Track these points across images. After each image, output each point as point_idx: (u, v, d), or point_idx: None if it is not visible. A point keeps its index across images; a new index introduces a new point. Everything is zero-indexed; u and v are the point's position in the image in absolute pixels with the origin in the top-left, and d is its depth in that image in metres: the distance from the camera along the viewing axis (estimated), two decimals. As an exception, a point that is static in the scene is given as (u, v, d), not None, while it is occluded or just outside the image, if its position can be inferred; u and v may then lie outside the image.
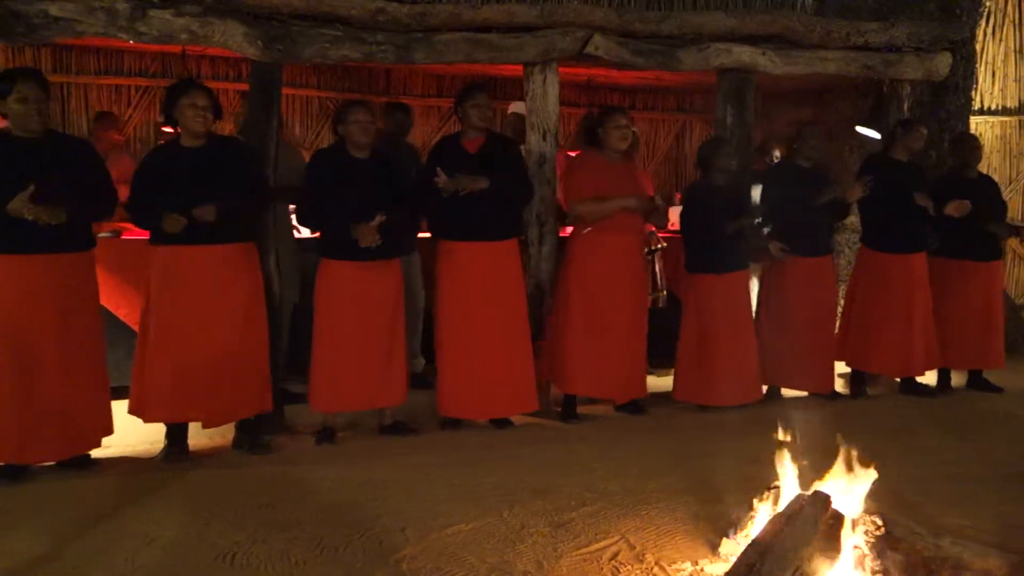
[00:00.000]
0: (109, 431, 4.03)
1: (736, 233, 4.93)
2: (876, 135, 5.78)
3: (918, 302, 5.36)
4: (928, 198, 5.20)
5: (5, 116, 3.76)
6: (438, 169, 4.39)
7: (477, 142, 4.59)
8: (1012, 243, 7.00)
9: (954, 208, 5.21)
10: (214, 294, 4.06)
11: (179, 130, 4.10)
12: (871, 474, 2.85)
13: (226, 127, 5.99)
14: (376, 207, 4.22)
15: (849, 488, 2.91)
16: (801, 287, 5.21)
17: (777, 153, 6.37)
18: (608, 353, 4.80)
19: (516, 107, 5.83)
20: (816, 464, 3.01)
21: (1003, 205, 5.69)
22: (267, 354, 4.27)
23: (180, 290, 4.02)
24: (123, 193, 4.14)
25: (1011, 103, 7.03)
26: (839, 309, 5.89)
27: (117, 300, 4.95)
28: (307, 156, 6.55)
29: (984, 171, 6.01)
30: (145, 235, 4.86)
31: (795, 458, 3.03)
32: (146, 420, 4.11)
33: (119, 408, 4.13)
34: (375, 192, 4.31)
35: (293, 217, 5.46)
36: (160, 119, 6.45)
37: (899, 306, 5.34)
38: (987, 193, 5.50)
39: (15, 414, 3.71)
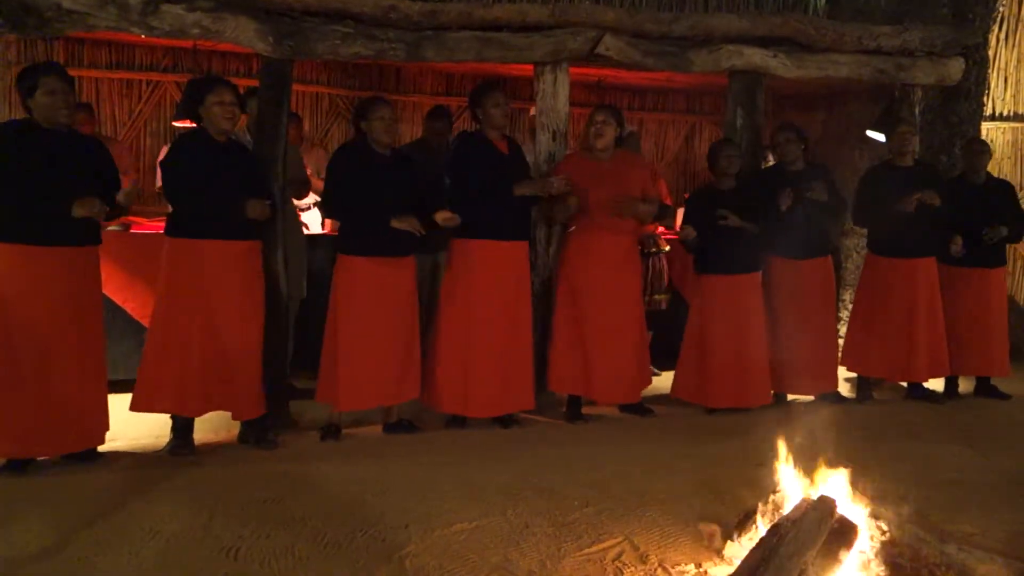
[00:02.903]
0: (106, 426, 4.03)
1: (734, 233, 4.90)
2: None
3: (923, 307, 5.32)
4: (934, 196, 5.12)
5: (28, 111, 3.78)
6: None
7: (503, 143, 4.64)
8: (1022, 250, 6.96)
9: (926, 196, 5.08)
10: (226, 289, 4.08)
11: (198, 125, 4.12)
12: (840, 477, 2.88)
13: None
14: (396, 205, 4.25)
15: (855, 493, 2.91)
16: (795, 290, 5.19)
17: (770, 156, 6.34)
18: (595, 353, 4.78)
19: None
20: (821, 468, 3.01)
21: (1016, 209, 5.60)
22: (260, 357, 4.25)
23: (193, 283, 4.04)
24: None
25: (1022, 109, 7.00)
26: (846, 313, 5.89)
27: (125, 294, 4.97)
28: (318, 153, 6.57)
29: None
30: (152, 228, 4.87)
31: (800, 462, 3.03)
32: (140, 409, 4.10)
33: (127, 401, 4.14)
34: (396, 190, 4.32)
35: (301, 214, 5.49)
36: (176, 116, 6.46)
37: (902, 311, 5.31)
38: (995, 198, 5.46)
39: (21, 407, 3.72)
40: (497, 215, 4.53)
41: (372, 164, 4.34)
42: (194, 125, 4.18)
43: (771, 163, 6.29)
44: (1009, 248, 6.15)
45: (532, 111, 5.92)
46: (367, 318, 4.33)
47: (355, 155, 4.39)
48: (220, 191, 4.01)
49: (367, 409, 4.53)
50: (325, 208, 4.54)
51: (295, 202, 5.27)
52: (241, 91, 4.28)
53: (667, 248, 5.73)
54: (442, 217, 4.35)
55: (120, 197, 3.99)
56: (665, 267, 5.81)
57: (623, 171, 4.83)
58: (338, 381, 4.32)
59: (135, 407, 4.10)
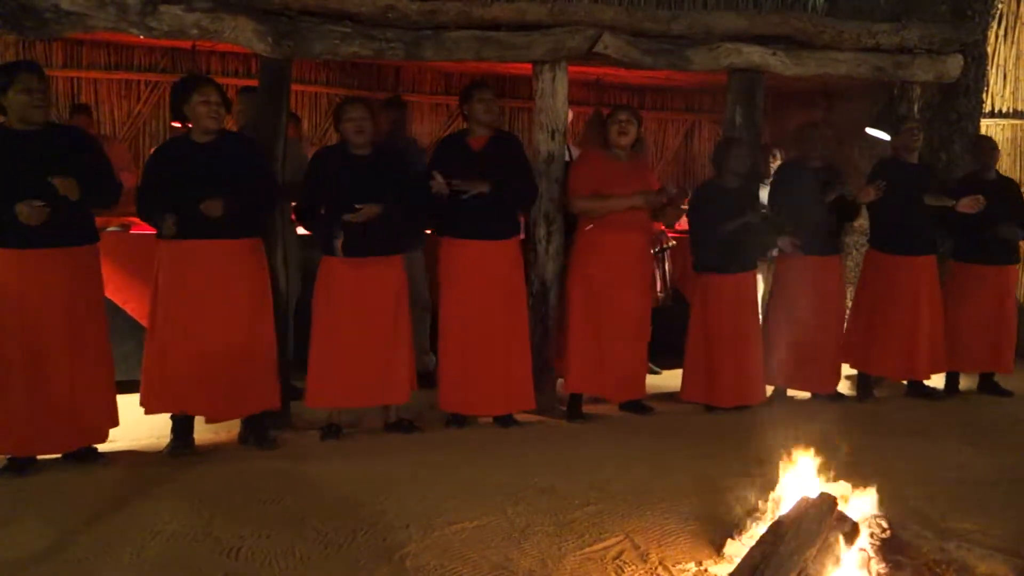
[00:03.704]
0: (115, 423, 4.03)
1: (736, 232, 4.91)
2: (886, 137, 5.75)
3: (924, 305, 5.33)
4: (944, 198, 5.14)
5: (2, 111, 3.74)
6: (434, 172, 4.36)
7: (482, 140, 4.57)
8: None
9: (967, 204, 5.15)
10: (220, 289, 4.07)
11: (188, 125, 4.11)
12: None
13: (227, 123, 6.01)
14: (375, 203, 4.21)
15: (855, 491, 2.91)
16: (808, 287, 5.20)
17: (778, 154, 6.35)
18: (608, 352, 4.79)
19: None
20: (820, 466, 3.01)
21: (1022, 207, 5.62)
22: (275, 351, 4.28)
23: (186, 284, 4.04)
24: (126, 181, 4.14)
25: (1022, 106, 6.98)
26: (847, 311, 5.88)
27: (125, 295, 4.96)
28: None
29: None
30: (150, 229, 4.88)
31: (801, 460, 3.03)
32: (150, 411, 4.12)
33: (127, 401, 4.14)
34: (374, 188, 4.27)
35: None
36: (170, 117, 6.46)
37: (904, 309, 5.32)
38: (1005, 195, 5.46)
39: (22, 406, 3.73)
40: (474, 215, 4.48)
41: (346, 165, 4.31)
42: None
43: (777, 162, 6.30)
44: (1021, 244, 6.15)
45: None
46: (342, 319, 4.32)
47: (327, 158, 4.40)
48: (184, 194, 3.91)
49: (362, 408, 4.53)
50: (295, 213, 4.52)
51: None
52: (237, 90, 4.27)
53: (673, 243, 5.75)
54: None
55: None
56: (668, 265, 5.81)
57: (639, 171, 4.87)
58: (315, 380, 4.35)
59: (143, 404, 4.11)
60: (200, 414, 4.19)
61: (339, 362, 4.33)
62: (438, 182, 4.33)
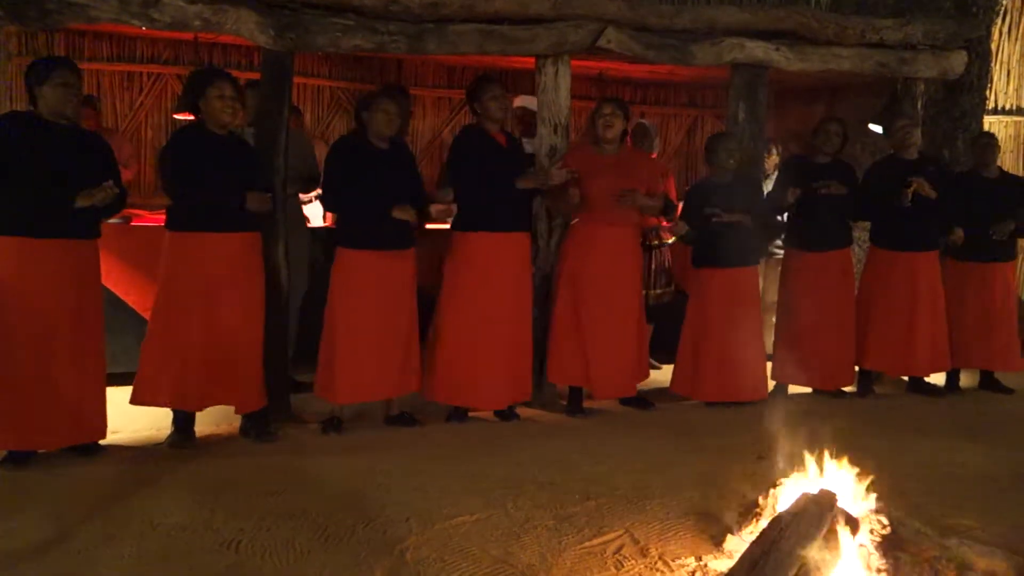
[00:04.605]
0: (104, 424, 4.01)
1: (731, 226, 4.90)
2: (888, 133, 5.75)
3: (923, 301, 5.31)
4: (923, 183, 5.04)
5: (32, 103, 3.78)
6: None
7: (503, 137, 4.65)
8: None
9: (920, 186, 5.03)
10: (227, 281, 4.08)
11: (198, 117, 4.12)
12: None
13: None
14: (394, 196, 4.25)
15: (855, 487, 2.91)
16: (814, 282, 5.20)
17: (774, 149, 6.33)
18: (592, 346, 4.77)
19: (523, 100, 5.83)
20: (820, 462, 3.01)
21: None
22: (261, 348, 4.25)
23: (192, 277, 4.04)
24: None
25: (1025, 103, 6.99)
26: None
27: (126, 287, 4.96)
28: (318, 147, 6.57)
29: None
30: (154, 221, 4.87)
31: (800, 455, 3.03)
32: (147, 404, 4.11)
33: (128, 394, 4.14)
34: (394, 182, 4.32)
35: (304, 208, 5.48)
36: (177, 108, 6.45)
37: (900, 305, 5.30)
38: (1006, 193, 5.44)
39: (22, 399, 3.72)
40: (497, 207, 4.54)
41: (368, 156, 4.33)
42: (194, 118, 4.18)
43: (774, 157, 6.29)
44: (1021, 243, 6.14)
45: (516, 102, 5.90)
46: (365, 312, 4.32)
47: (351, 148, 4.39)
48: (218, 183, 4.01)
49: (367, 402, 4.53)
50: (323, 202, 4.55)
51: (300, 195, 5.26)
52: (242, 83, 4.29)
53: (671, 241, 5.73)
54: (436, 209, 4.37)
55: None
56: (668, 260, 5.80)
57: (628, 165, 4.82)
58: (335, 375, 4.32)
59: (135, 400, 4.10)
60: (198, 408, 4.17)
61: (364, 356, 4.32)
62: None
